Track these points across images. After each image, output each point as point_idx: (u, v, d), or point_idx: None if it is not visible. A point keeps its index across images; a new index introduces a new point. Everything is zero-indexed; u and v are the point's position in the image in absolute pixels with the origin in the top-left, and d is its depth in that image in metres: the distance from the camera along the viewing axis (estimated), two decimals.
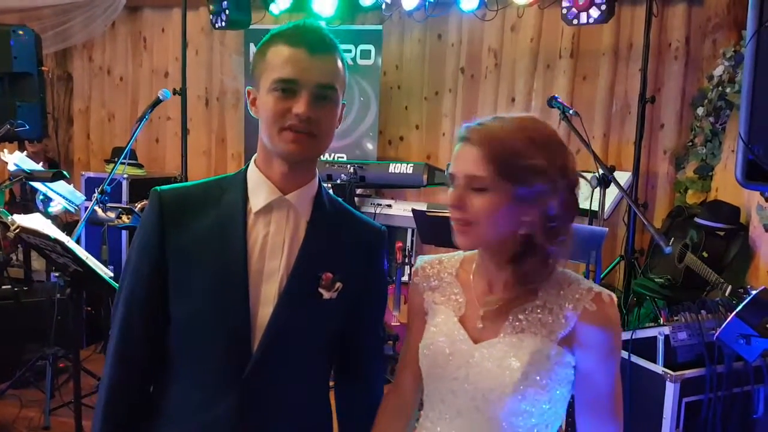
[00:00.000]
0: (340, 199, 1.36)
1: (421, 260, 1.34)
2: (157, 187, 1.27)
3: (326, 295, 1.22)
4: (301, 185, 1.25)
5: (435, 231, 2.13)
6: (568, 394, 1.19)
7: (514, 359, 1.14)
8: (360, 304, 1.29)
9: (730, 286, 2.59)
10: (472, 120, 1.20)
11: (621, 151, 4.36)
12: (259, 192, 1.24)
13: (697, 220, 3.16)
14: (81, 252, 2.07)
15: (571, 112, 2.65)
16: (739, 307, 1.61)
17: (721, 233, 3.05)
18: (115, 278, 2.27)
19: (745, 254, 2.96)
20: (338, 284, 1.23)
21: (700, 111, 3.71)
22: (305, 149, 1.19)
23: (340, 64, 1.22)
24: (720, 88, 3.30)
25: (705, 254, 2.94)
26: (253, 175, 1.26)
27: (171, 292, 1.23)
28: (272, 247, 1.23)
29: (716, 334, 1.69)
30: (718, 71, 3.31)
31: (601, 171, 2.50)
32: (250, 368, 1.19)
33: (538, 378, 1.13)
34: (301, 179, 1.25)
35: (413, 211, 2.33)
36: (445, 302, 1.26)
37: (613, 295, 1.18)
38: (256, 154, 1.28)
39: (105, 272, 2.18)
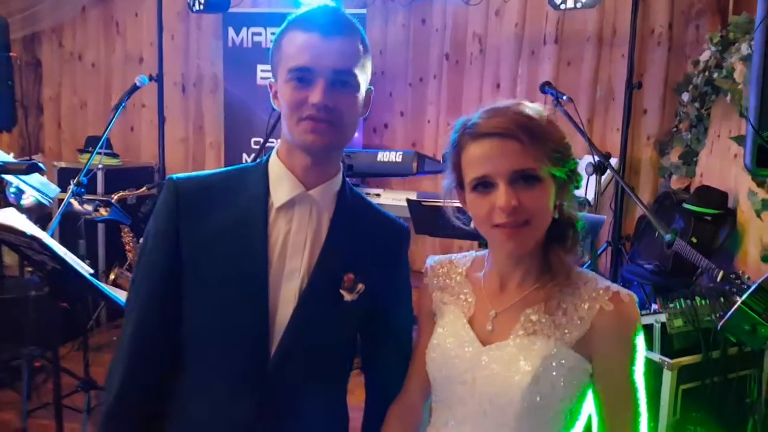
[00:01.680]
0: (362, 194, 1.31)
1: (431, 260, 1.28)
2: (173, 176, 1.21)
3: (347, 297, 1.18)
4: (325, 179, 1.20)
5: (431, 220, 2.09)
6: (583, 400, 1.11)
7: (524, 362, 1.07)
8: (384, 306, 1.24)
9: (721, 272, 2.58)
10: (471, 114, 1.12)
11: (605, 137, 4.36)
12: (281, 186, 1.18)
13: (685, 205, 3.16)
14: (60, 249, 1.96)
15: (564, 98, 2.60)
16: (744, 296, 1.58)
17: (709, 218, 3.05)
18: (95, 275, 2.18)
19: (734, 239, 2.97)
20: (360, 286, 1.18)
21: (685, 97, 3.71)
22: (325, 139, 1.13)
23: (359, 46, 1.15)
24: (706, 74, 3.29)
25: (694, 240, 2.94)
26: (275, 167, 1.20)
27: (186, 287, 1.17)
28: (294, 245, 1.18)
29: (721, 324, 1.66)
30: (705, 56, 3.30)
31: (596, 158, 2.46)
32: (269, 369, 1.14)
33: (549, 383, 1.06)
34: (324, 173, 1.20)
35: (408, 201, 2.28)
36: (454, 302, 1.20)
37: (633, 295, 1.11)
38: (278, 144, 1.23)
39: (85, 269, 2.08)
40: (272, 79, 1.21)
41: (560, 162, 1.08)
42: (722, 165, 3.31)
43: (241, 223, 1.16)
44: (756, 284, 1.68)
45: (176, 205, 1.17)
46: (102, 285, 2.11)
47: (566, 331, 1.09)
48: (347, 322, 1.21)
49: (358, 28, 1.17)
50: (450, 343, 1.16)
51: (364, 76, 1.17)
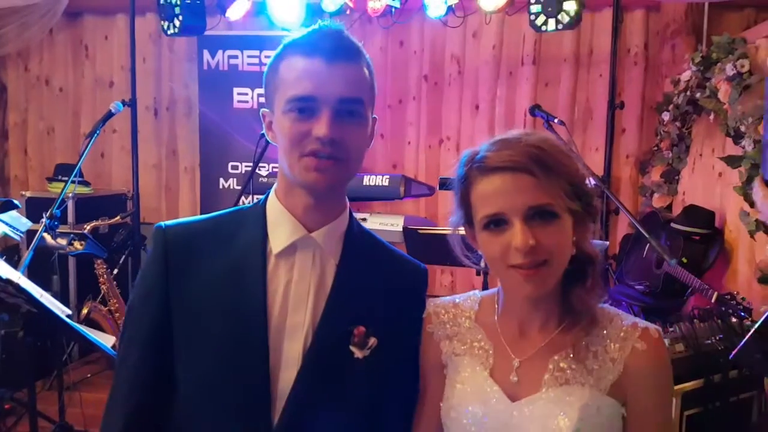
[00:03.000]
0: (372, 233, 1.18)
1: (432, 304, 1.15)
2: (162, 224, 1.08)
3: (358, 354, 1.04)
4: (330, 219, 1.08)
5: (427, 249, 2.02)
6: None
7: (562, 417, 0.98)
8: (399, 362, 1.10)
9: (716, 293, 2.57)
10: (480, 149, 1.04)
11: (585, 158, 4.36)
12: (281, 229, 1.06)
13: (673, 225, 3.16)
14: (36, 291, 1.83)
15: (556, 120, 2.57)
16: (757, 325, 1.55)
17: (698, 238, 3.05)
18: (72, 317, 2.05)
19: (724, 259, 2.97)
20: (372, 340, 1.04)
21: (665, 116, 3.74)
22: (331, 178, 1.02)
23: (366, 72, 1.05)
24: (688, 93, 3.32)
25: (684, 260, 2.93)
26: (274, 208, 1.08)
27: (177, 350, 1.04)
28: (296, 297, 1.05)
29: (733, 354, 1.62)
30: (686, 76, 3.33)
31: (593, 181, 2.43)
32: None
33: None
34: (329, 212, 1.08)
35: (404, 229, 2.21)
36: (468, 352, 1.09)
37: (660, 330, 1.05)
38: (275, 184, 1.10)
39: (62, 310, 1.95)
40: (265, 108, 1.09)
41: (577, 195, 1.01)
42: (705, 184, 3.32)
43: (236, 274, 1.04)
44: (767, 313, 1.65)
45: (165, 258, 1.06)
46: (80, 328, 1.98)
47: (600, 375, 1.01)
48: (360, 385, 1.06)
49: (363, 52, 1.06)
50: (473, 401, 1.05)
51: (371, 105, 1.07)
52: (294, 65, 1.02)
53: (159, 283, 1.05)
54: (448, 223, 1.14)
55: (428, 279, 1.21)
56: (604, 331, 1.04)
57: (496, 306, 1.12)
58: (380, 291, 1.10)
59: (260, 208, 1.10)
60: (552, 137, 1.08)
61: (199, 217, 1.14)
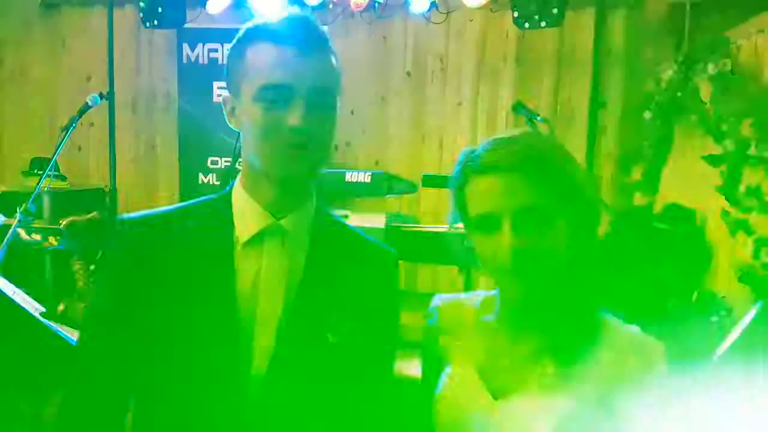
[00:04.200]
0: (341, 219, 1.17)
1: (438, 299, 1.16)
2: (123, 216, 1.06)
3: (334, 339, 1.02)
4: (298, 206, 1.05)
5: (411, 247, 2.00)
6: None
7: (541, 422, 0.96)
8: (373, 345, 1.08)
9: (696, 292, 2.58)
10: (478, 147, 1.03)
11: None
12: (248, 218, 1.04)
13: (654, 224, 3.17)
14: (8, 288, 1.78)
15: (539, 119, 2.56)
16: (742, 327, 1.55)
17: (679, 236, 3.07)
18: (47, 314, 2.00)
19: (705, 258, 2.99)
20: (346, 325, 1.03)
21: (647, 115, 3.75)
22: (305, 167, 1.00)
23: (335, 62, 1.03)
24: (669, 92, 3.33)
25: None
26: (239, 198, 1.06)
27: (143, 345, 1.01)
28: (266, 286, 1.02)
29: (716, 354, 1.63)
30: (668, 75, 3.34)
31: None
32: None
33: None
34: (296, 200, 1.05)
35: (387, 227, 2.19)
36: (464, 348, 1.09)
37: (660, 343, 1.01)
38: (239, 174, 1.08)
39: (36, 308, 1.90)
40: (226, 93, 1.06)
41: (573, 198, 0.99)
42: (687, 183, 3.34)
43: (202, 265, 1.01)
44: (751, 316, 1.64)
45: (127, 251, 1.04)
46: (54, 326, 1.93)
47: (587, 385, 0.98)
48: (335, 368, 1.04)
49: (330, 40, 1.04)
50: (458, 395, 1.05)
51: (339, 95, 1.05)
52: (264, 52, 1.00)
53: (122, 278, 1.03)
54: (446, 220, 1.13)
55: (399, 264, 1.19)
56: (597, 338, 1.01)
57: (495, 306, 1.11)
58: (351, 275, 1.08)
59: (225, 198, 1.08)
60: (551, 138, 1.07)
61: (161, 208, 1.11)
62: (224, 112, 1.08)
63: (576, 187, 1.00)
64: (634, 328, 1.04)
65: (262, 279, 1.03)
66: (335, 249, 1.09)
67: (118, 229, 1.06)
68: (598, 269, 1.07)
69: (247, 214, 1.04)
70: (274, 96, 0.98)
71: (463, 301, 1.16)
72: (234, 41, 1.05)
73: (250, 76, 1.00)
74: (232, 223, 1.04)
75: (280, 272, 1.03)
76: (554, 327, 1.04)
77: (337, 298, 1.05)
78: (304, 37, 0.99)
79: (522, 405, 0.99)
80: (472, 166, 1.01)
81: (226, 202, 1.07)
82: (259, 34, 1.02)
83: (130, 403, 1.06)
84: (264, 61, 0.99)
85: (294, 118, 0.97)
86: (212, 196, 1.10)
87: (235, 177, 1.10)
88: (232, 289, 1.01)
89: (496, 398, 1.02)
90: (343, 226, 1.17)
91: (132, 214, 1.07)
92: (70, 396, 1.06)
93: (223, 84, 3.80)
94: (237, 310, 1.00)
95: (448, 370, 1.09)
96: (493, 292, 1.14)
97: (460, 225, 1.09)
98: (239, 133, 1.06)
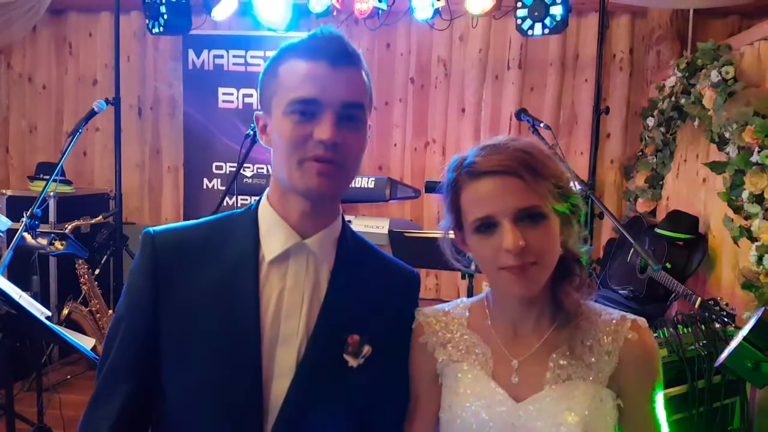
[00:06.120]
0: (365, 239, 1.17)
1: (421, 314, 1.15)
2: (150, 229, 1.05)
3: (352, 362, 1.02)
4: (324, 226, 1.06)
5: (413, 252, 2.01)
6: None
7: (569, 412, 1.00)
8: (393, 370, 1.09)
9: (699, 298, 2.58)
10: (467, 154, 1.07)
11: (570, 162, 4.39)
12: (274, 236, 1.04)
13: (656, 230, 3.17)
14: (15, 292, 1.80)
15: (541, 125, 2.57)
16: (745, 331, 1.55)
17: (681, 243, 3.07)
18: (48, 309, 2.01)
19: (707, 264, 2.99)
20: (366, 348, 1.03)
21: (650, 121, 3.76)
22: (333, 184, 1.00)
23: (365, 77, 1.04)
24: (673, 99, 3.34)
25: (668, 265, 2.94)
26: (266, 214, 1.06)
27: (166, 361, 1.01)
28: (289, 305, 1.02)
29: (720, 361, 1.62)
30: (670, 82, 3.35)
31: (578, 186, 2.43)
32: None
33: (597, 428, 1.01)
34: (323, 219, 1.06)
35: (390, 232, 2.19)
36: (466, 357, 1.10)
37: (644, 320, 1.10)
38: (267, 189, 1.08)
39: (41, 312, 1.91)
40: (260, 111, 1.07)
41: (562, 197, 1.04)
42: (689, 189, 3.34)
43: (227, 283, 1.01)
44: (755, 318, 1.64)
45: (153, 266, 1.03)
46: (59, 329, 1.94)
47: (599, 369, 1.05)
48: (354, 394, 1.05)
49: (363, 58, 1.06)
50: (478, 405, 1.06)
51: (369, 111, 1.06)
52: (296, 68, 1.00)
53: (147, 293, 1.03)
54: (438, 227, 1.15)
55: (420, 284, 1.21)
56: (595, 326, 1.07)
57: (487, 311, 1.14)
58: (374, 298, 1.08)
59: (252, 214, 1.08)
60: (537, 142, 1.12)
61: (188, 222, 1.11)
62: (256, 129, 1.09)
63: (562, 186, 1.05)
64: (620, 311, 1.11)
65: (286, 298, 1.03)
66: (359, 270, 1.09)
67: (145, 242, 1.05)
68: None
69: (273, 232, 1.04)
70: (304, 109, 0.98)
71: (449, 311, 1.16)
72: (269, 61, 1.06)
73: (281, 91, 1.01)
74: (258, 240, 1.05)
75: (303, 292, 1.04)
76: (554, 320, 1.08)
77: (359, 322, 1.05)
78: (336, 52, 1.00)
79: (547, 401, 1.03)
80: (467, 172, 1.04)
81: (253, 218, 1.07)
82: (290, 51, 1.03)
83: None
84: (295, 76, 1.00)
85: (322, 131, 0.97)
86: (239, 210, 1.11)
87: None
88: (256, 307, 1.01)
89: (517, 401, 1.05)
90: (368, 246, 1.17)
91: (159, 228, 1.08)
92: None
93: (227, 89, 3.83)
94: (260, 330, 1.00)
95: (455, 383, 1.09)
96: (475, 298, 1.17)
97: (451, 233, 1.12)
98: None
